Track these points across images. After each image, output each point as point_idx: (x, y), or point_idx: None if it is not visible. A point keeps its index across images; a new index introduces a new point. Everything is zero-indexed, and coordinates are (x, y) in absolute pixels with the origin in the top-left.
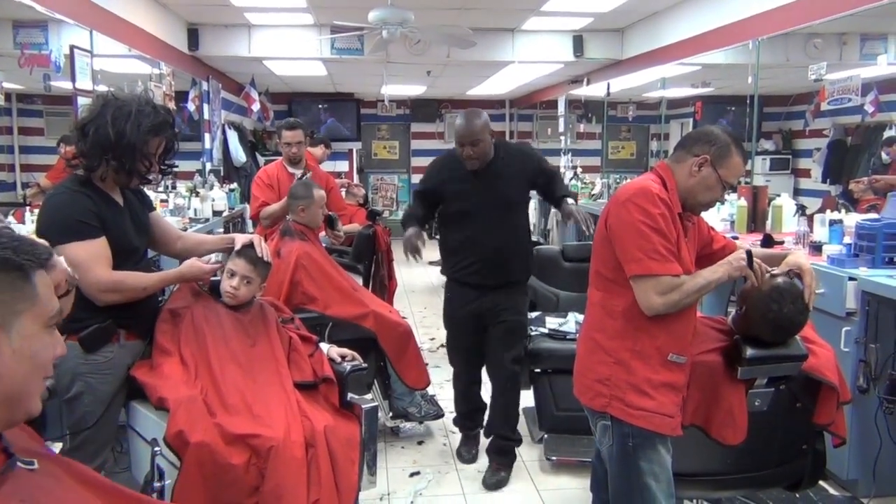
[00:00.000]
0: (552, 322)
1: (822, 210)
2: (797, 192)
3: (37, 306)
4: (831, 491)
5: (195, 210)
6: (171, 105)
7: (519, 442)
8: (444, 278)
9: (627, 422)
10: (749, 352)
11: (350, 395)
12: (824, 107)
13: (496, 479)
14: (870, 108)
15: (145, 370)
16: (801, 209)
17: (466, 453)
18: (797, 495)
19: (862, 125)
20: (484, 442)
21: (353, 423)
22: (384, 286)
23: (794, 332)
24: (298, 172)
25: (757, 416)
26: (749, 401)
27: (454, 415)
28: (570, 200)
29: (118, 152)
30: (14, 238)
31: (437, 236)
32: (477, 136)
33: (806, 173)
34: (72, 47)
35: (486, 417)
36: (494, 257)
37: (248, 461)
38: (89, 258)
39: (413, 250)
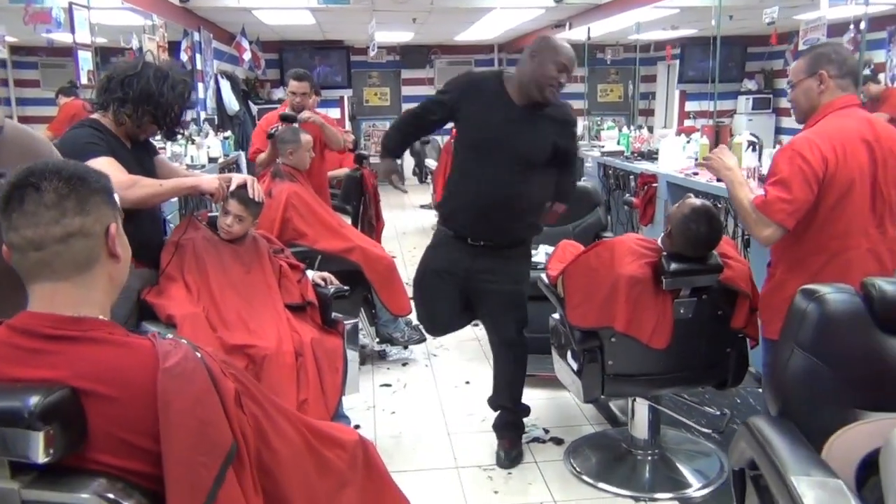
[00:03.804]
0: None
1: None
2: (778, 131)
3: (119, 216)
4: (759, 388)
5: (192, 157)
6: (165, 56)
7: (526, 412)
8: (435, 220)
9: None
10: (672, 266)
11: (334, 314)
12: (801, 46)
13: (513, 456)
14: (849, 48)
15: (154, 294)
16: (752, 145)
17: None
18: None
19: None
20: None
21: (336, 337)
22: (372, 226)
23: (711, 247)
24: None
25: (683, 323)
26: (675, 309)
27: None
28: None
29: (153, 106)
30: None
31: (428, 179)
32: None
33: (787, 112)
34: (70, 2)
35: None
36: (501, 208)
37: (246, 367)
38: (103, 166)
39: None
